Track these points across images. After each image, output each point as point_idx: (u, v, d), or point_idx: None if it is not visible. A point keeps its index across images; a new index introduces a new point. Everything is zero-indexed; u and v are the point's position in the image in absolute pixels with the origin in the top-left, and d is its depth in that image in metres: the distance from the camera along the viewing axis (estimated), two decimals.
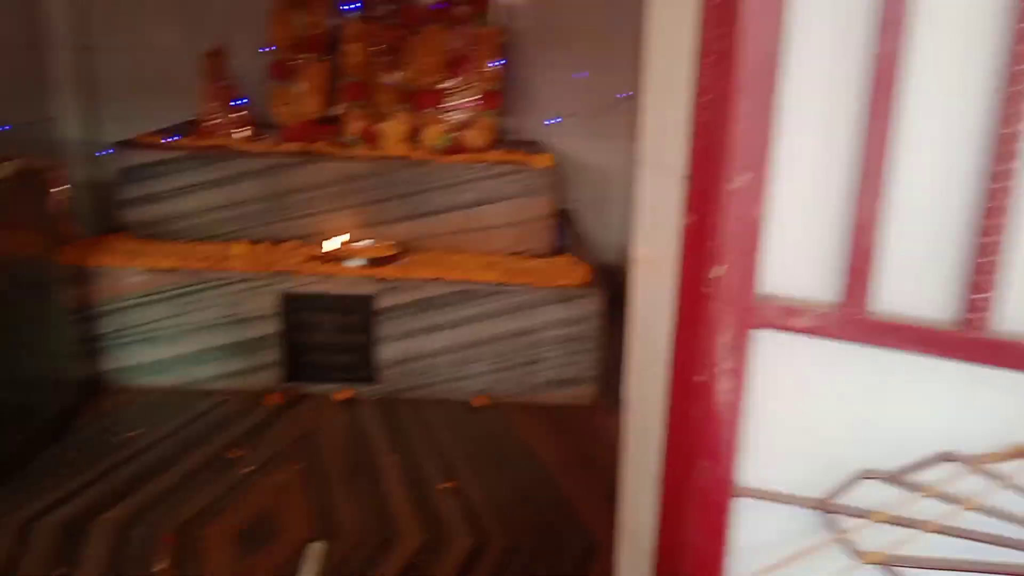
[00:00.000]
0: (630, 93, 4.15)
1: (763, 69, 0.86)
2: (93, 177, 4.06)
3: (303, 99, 3.49)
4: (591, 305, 3.10)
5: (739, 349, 0.94)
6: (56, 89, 3.97)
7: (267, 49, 3.57)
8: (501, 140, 3.70)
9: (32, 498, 2.36)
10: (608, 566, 2.24)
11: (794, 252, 0.94)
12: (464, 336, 3.10)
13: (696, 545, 1.00)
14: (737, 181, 0.89)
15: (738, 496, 0.98)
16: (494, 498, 2.52)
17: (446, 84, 3.48)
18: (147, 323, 2.98)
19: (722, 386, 0.95)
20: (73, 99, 3.99)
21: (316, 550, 1.51)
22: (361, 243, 3.20)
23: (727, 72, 0.87)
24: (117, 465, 2.57)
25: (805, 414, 0.98)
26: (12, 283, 2.77)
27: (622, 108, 4.18)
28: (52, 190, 2.61)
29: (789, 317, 0.92)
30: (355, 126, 3.38)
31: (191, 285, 2.96)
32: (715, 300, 0.93)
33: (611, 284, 3.99)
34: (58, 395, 2.73)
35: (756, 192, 0.89)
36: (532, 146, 3.83)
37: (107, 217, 3.98)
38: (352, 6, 3.59)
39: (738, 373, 0.94)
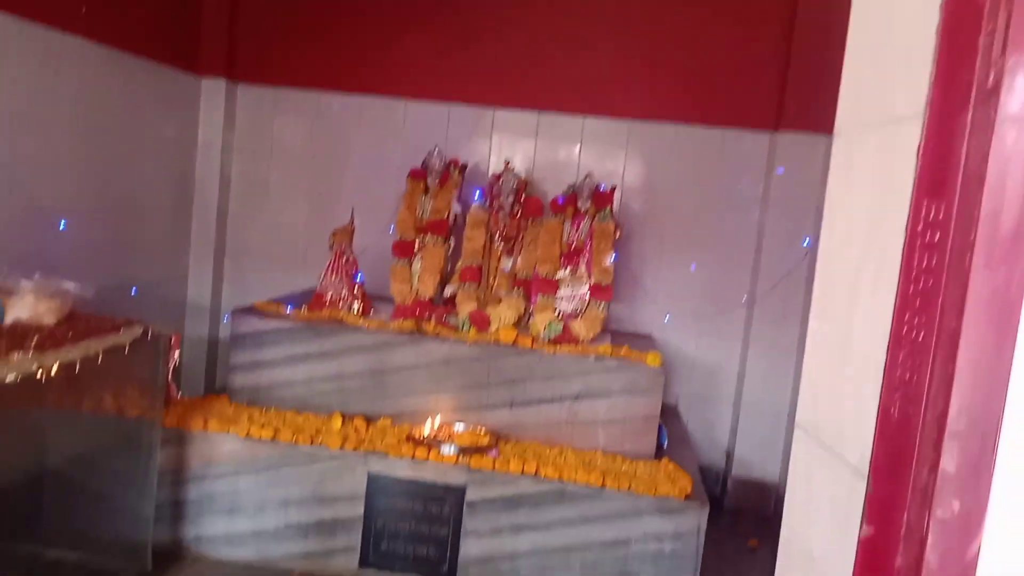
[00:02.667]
0: (745, 299, 4.05)
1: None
2: (210, 336, 4.25)
3: (420, 278, 3.56)
4: (692, 521, 2.86)
5: None
6: (193, 251, 4.25)
7: (393, 229, 3.71)
8: (610, 332, 3.63)
9: None
10: None
11: None
12: (555, 540, 2.89)
13: None
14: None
15: None
16: None
17: (560, 274, 3.47)
18: (233, 493, 2.93)
19: None
20: (205, 261, 4.25)
21: None
22: (456, 428, 3.12)
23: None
24: None
25: None
26: (113, 442, 2.82)
27: (737, 311, 4.07)
28: (166, 356, 2.67)
29: None
30: (466, 307, 3.39)
31: (283, 457, 2.92)
32: None
33: (713, 494, 3.71)
34: (136, 560, 2.67)
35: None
36: (642, 340, 3.74)
37: (214, 378, 4.10)
38: (478, 194, 3.72)
39: None
